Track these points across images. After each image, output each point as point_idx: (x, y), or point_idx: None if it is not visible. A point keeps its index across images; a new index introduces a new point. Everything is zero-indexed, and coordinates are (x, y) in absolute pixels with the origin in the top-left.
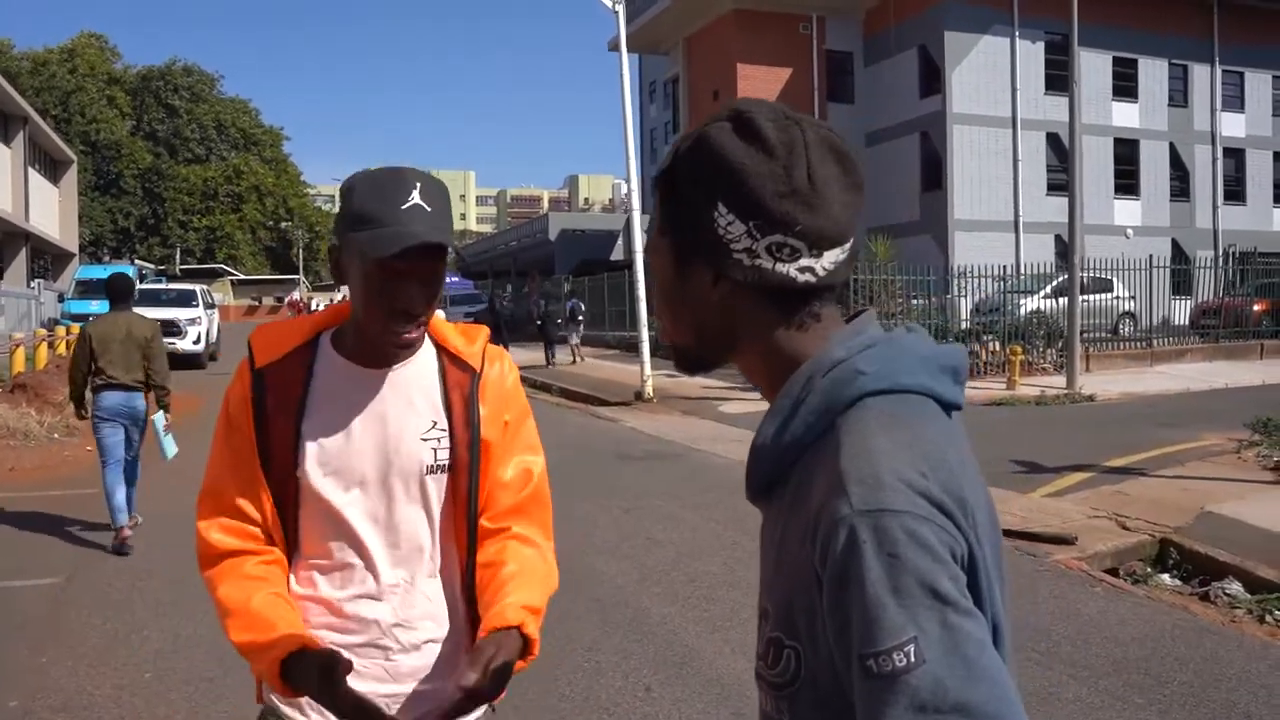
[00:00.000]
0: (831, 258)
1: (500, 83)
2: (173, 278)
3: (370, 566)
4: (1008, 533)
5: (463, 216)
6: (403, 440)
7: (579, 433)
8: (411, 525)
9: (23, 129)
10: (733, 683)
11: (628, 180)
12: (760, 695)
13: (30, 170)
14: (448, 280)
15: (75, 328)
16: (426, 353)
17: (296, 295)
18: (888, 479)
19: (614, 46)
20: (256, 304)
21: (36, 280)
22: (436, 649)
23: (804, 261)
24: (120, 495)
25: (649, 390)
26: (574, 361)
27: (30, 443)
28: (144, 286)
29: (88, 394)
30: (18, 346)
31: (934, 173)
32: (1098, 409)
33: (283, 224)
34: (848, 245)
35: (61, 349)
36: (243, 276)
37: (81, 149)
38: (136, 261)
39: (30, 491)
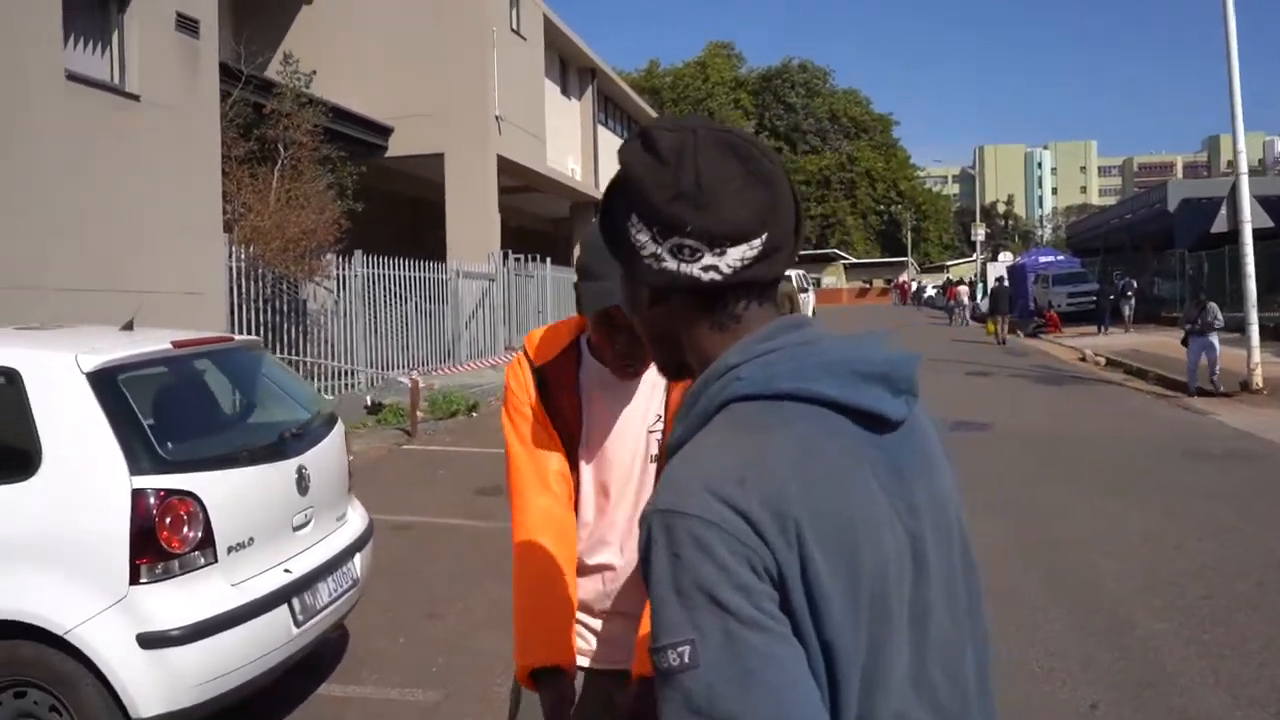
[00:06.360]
0: (737, 254)
1: (1122, 39)
2: (792, 264)
3: (613, 536)
4: None
5: (1083, 189)
6: (641, 432)
7: (1146, 423)
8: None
9: None
10: (1199, 717)
11: (1234, 136)
12: None
13: None
14: (1052, 258)
15: None
16: None
17: (904, 278)
18: (691, 483)
19: None
20: (867, 286)
21: None
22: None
23: (707, 260)
24: None
25: (1257, 379)
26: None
27: None
28: None
29: None
30: None
31: None
32: None
33: (892, 207)
34: (757, 241)
35: None
36: (854, 260)
37: None
38: None
39: None
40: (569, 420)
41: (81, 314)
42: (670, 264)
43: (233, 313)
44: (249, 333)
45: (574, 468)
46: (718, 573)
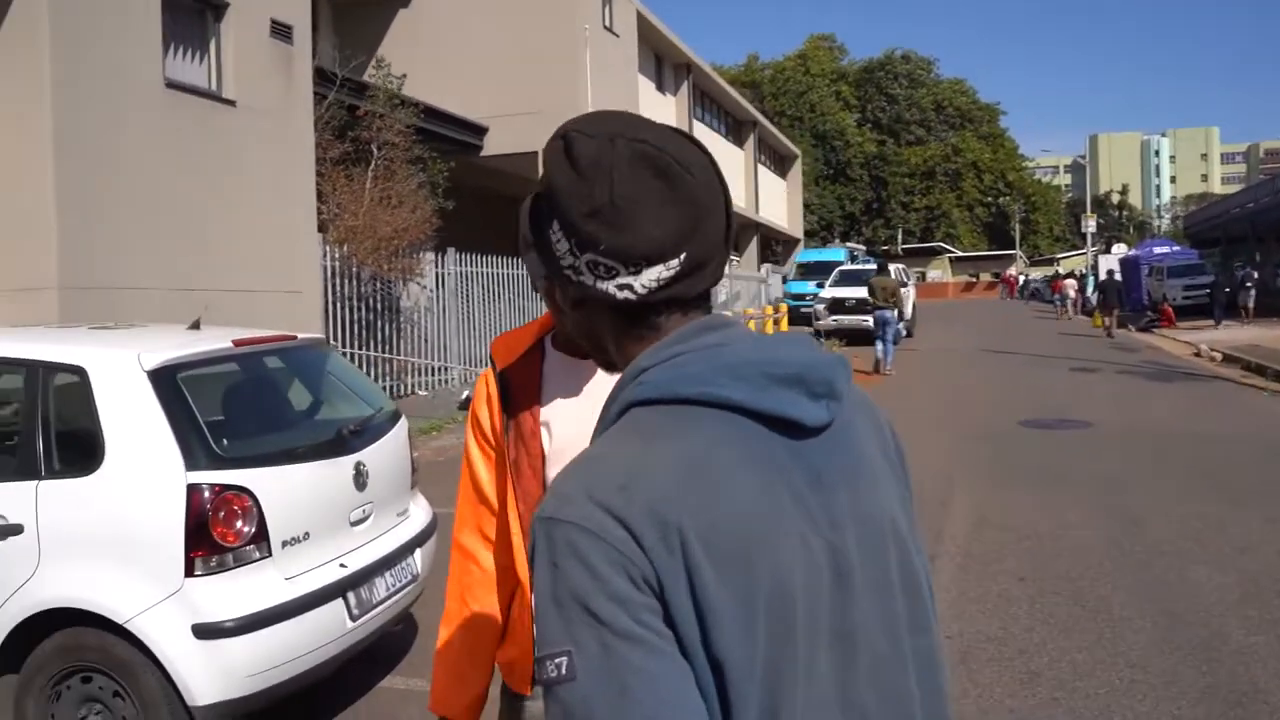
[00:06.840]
0: (652, 275)
1: (1244, 17)
2: (893, 258)
3: None
4: None
5: (1204, 178)
6: None
7: (1261, 422)
8: None
9: (752, 132)
10: None
11: None
12: None
13: (759, 167)
14: (1166, 250)
15: (784, 307)
16: None
17: (1011, 271)
18: (573, 489)
19: None
20: (974, 280)
21: (765, 265)
22: None
23: (622, 279)
24: (880, 348)
25: None
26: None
27: None
28: (849, 267)
29: None
30: (749, 321)
31: None
32: None
33: (1000, 199)
34: (674, 262)
35: (780, 325)
36: (960, 253)
37: (812, 143)
38: (848, 245)
39: None
40: (528, 424)
41: (180, 313)
42: (587, 278)
43: (328, 311)
44: (345, 330)
45: (539, 470)
46: (591, 582)
